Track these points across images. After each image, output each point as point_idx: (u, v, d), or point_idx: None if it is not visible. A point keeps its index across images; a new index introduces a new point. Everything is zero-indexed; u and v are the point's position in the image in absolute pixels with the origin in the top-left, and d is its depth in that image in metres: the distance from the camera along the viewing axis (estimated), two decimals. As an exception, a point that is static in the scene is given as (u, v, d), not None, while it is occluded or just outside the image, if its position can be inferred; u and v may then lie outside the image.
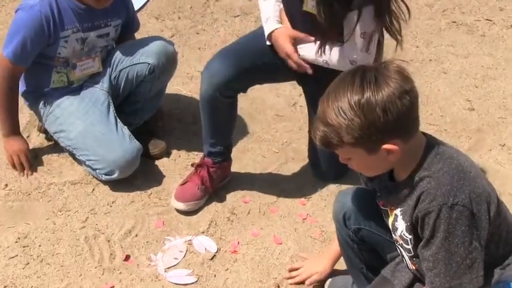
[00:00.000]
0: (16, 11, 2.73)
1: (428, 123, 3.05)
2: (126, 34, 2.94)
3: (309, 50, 2.48)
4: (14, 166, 2.83)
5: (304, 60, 2.49)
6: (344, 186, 2.73)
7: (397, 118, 1.75)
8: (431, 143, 1.89)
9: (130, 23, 2.93)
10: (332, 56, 2.45)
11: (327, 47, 2.43)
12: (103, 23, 2.78)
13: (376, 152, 1.80)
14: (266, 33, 2.54)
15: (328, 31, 2.39)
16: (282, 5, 2.56)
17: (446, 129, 3.07)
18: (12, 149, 2.82)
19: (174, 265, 2.49)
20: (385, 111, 1.74)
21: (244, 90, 2.69)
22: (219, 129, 2.67)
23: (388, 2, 2.33)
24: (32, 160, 2.85)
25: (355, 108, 1.74)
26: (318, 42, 2.43)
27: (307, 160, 2.87)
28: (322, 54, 2.44)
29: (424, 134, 1.91)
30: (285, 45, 2.49)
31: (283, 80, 2.79)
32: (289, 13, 2.53)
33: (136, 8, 3.65)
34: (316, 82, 2.54)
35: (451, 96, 3.26)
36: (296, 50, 2.49)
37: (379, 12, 2.33)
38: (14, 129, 2.83)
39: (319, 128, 1.82)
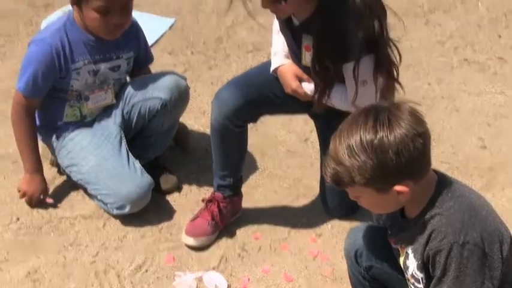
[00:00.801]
0: (29, 45, 2.76)
1: (440, 160, 3.04)
2: (140, 67, 2.96)
3: (312, 89, 2.49)
4: (25, 200, 2.83)
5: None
6: (355, 223, 2.71)
7: (410, 161, 1.75)
8: (442, 181, 1.88)
9: (143, 56, 2.95)
10: (333, 100, 2.46)
11: (327, 91, 2.44)
12: (114, 55, 2.80)
13: (386, 192, 1.80)
14: (272, 68, 2.57)
15: (326, 83, 2.40)
16: None
17: (459, 167, 3.06)
18: (28, 188, 2.81)
19: (184, 301, 2.48)
20: (398, 154, 1.74)
21: (254, 120, 2.70)
22: (229, 160, 2.68)
23: (385, 49, 2.34)
24: (45, 198, 2.84)
25: (368, 149, 1.74)
26: (317, 85, 2.44)
27: (318, 196, 2.87)
28: (324, 97, 2.45)
29: (435, 171, 1.91)
30: (291, 82, 2.51)
31: (293, 112, 2.79)
32: (294, 54, 2.55)
33: (150, 43, 3.69)
34: (327, 118, 2.56)
35: (463, 134, 3.25)
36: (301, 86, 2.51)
37: (378, 60, 2.34)
38: (33, 166, 2.81)
39: (331, 165, 1.82)
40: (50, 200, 2.84)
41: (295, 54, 2.52)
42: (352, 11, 2.25)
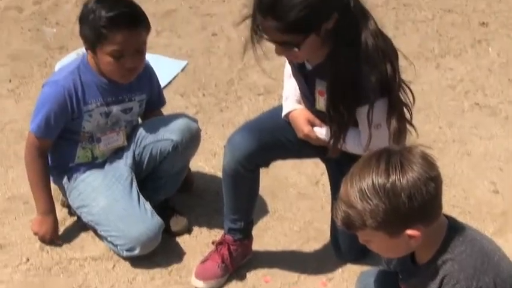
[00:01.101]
0: (42, 87, 2.79)
1: (452, 205, 3.02)
2: (152, 110, 2.98)
3: (325, 134, 2.49)
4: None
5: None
6: (366, 267, 2.69)
7: (422, 205, 1.74)
8: (453, 225, 1.87)
9: (155, 98, 2.97)
10: (347, 144, 2.45)
11: (342, 136, 2.43)
12: (127, 98, 2.82)
13: (398, 236, 1.79)
14: (284, 113, 2.57)
15: (341, 128, 2.40)
16: None
17: (471, 211, 3.04)
18: (39, 229, 2.82)
19: None
20: (410, 198, 1.73)
21: (267, 165, 2.69)
22: (240, 204, 2.67)
23: (398, 92, 2.35)
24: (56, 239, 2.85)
25: (380, 192, 1.73)
26: (333, 130, 2.44)
27: (329, 240, 2.85)
28: (339, 142, 2.44)
29: (446, 215, 1.90)
30: (303, 127, 2.51)
31: (305, 156, 2.79)
32: (306, 98, 2.55)
33: (162, 85, 3.72)
34: (339, 162, 2.55)
35: (475, 178, 3.24)
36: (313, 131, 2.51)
37: (392, 103, 2.34)
38: (45, 207, 2.82)
39: (342, 208, 1.81)
40: (59, 242, 2.84)
41: (307, 99, 2.52)
42: (365, 55, 2.25)
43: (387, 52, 2.30)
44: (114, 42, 2.60)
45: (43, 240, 2.82)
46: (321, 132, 2.50)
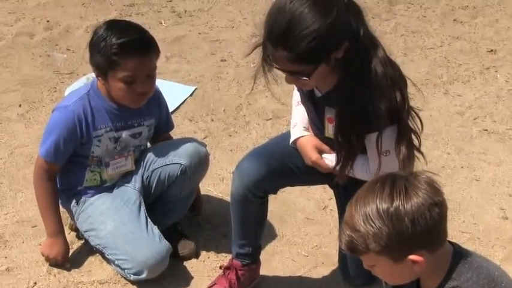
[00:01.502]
0: (52, 111, 2.81)
1: (460, 230, 3.01)
2: (161, 134, 2.99)
3: (334, 161, 2.49)
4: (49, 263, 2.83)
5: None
6: (374, 293, 2.68)
7: (425, 230, 1.74)
8: (458, 252, 1.86)
9: (164, 123, 2.98)
10: (355, 171, 2.45)
11: (350, 162, 2.43)
12: (136, 123, 2.83)
13: (401, 261, 1.78)
14: (291, 140, 2.57)
15: (350, 155, 2.40)
16: None
17: (480, 237, 3.02)
18: (50, 251, 2.81)
19: None
20: (414, 223, 1.73)
21: (275, 192, 2.69)
22: (248, 230, 2.66)
23: (407, 119, 2.35)
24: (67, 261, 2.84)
25: (384, 216, 1.74)
26: (341, 157, 2.43)
27: (337, 265, 2.84)
28: (347, 169, 2.44)
29: (451, 242, 1.89)
30: (310, 154, 2.50)
31: (314, 183, 2.79)
32: (315, 125, 2.55)
33: (171, 109, 3.73)
34: (346, 187, 2.55)
35: (484, 204, 3.23)
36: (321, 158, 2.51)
37: (400, 130, 2.34)
38: (55, 229, 2.82)
39: (346, 232, 1.81)
40: (67, 265, 2.84)
41: (316, 126, 2.52)
42: (374, 82, 2.25)
43: (396, 80, 2.30)
44: (125, 69, 2.62)
45: (54, 262, 2.81)
46: (330, 159, 2.50)
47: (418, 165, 2.46)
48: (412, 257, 1.77)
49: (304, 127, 2.58)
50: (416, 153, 2.41)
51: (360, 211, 1.78)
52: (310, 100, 2.47)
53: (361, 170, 2.45)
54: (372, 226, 1.75)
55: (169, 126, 3.04)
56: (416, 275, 1.85)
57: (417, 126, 2.41)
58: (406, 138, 2.36)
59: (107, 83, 2.68)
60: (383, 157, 2.36)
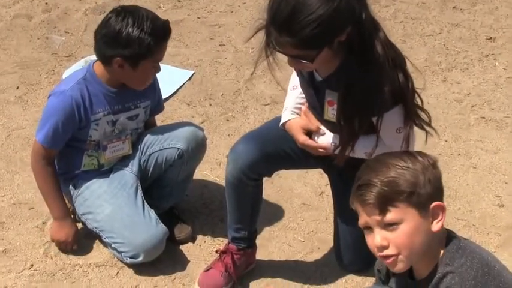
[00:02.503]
0: (49, 97, 2.80)
1: (456, 217, 3.02)
2: (152, 116, 3.00)
3: (329, 142, 2.49)
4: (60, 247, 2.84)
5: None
6: (370, 279, 2.69)
7: (439, 179, 1.92)
8: (451, 238, 1.87)
9: (156, 105, 2.99)
10: (356, 152, 2.44)
11: (351, 144, 2.42)
12: (133, 105, 2.84)
13: (426, 211, 1.83)
14: (280, 123, 2.58)
15: (352, 137, 2.40)
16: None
17: (475, 224, 3.04)
18: (60, 235, 2.81)
19: None
20: (434, 167, 1.92)
21: (270, 174, 2.70)
22: (243, 213, 2.67)
23: (413, 98, 2.35)
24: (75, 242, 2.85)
25: (407, 160, 1.90)
26: (342, 140, 2.43)
27: (332, 250, 2.85)
28: (347, 151, 2.43)
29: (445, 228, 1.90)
30: (297, 136, 2.52)
31: (308, 166, 2.79)
32: (313, 108, 2.55)
33: (169, 93, 3.74)
34: (340, 172, 2.56)
35: (480, 191, 3.23)
36: (311, 138, 2.51)
37: (408, 109, 2.34)
38: (61, 212, 2.82)
39: (375, 183, 1.86)
40: (75, 246, 2.84)
41: (315, 109, 2.52)
42: (376, 65, 2.26)
43: (398, 61, 2.31)
44: (158, 56, 2.69)
45: (64, 245, 2.82)
46: (325, 140, 2.50)
47: (431, 140, 2.47)
48: (436, 203, 1.85)
49: (293, 111, 2.58)
50: (428, 128, 2.41)
51: (380, 161, 1.92)
52: (310, 84, 2.47)
53: (361, 151, 2.44)
54: (398, 167, 1.87)
55: (160, 108, 3.04)
56: (432, 240, 1.87)
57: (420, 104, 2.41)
58: (413, 117, 2.36)
59: (134, 70, 2.67)
60: (396, 134, 2.37)
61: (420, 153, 1.95)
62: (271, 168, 2.66)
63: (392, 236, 1.85)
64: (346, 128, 2.37)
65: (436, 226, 1.84)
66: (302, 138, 2.51)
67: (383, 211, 1.83)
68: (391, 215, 1.84)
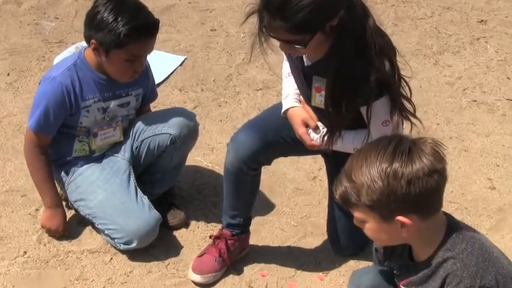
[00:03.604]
0: (39, 83, 2.78)
1: (448, 201, 3.03)
2: (145, 104, 2.99)
3: (317, 138, 2.49)
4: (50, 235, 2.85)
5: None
6: (363, 262, 2.70)
7: (420, 194, 1.75)
8: (452, 223, 1.87)
9: (149, 93, 2.97)
10: (344, 144, 2.45)
11: (336, 132, 2.42)
12: (124, 92, 2.82)
13: (390, 221, 1.79)
14: (283, 110, 2.58)
15: (338, 125, 2.40)
16: None
17: (467, 207, 3.05)
18: (51, 223, 2.81)
19: (189, 338, 2.46)
20: (409, 184, 1.74)
21: (269, 163, 2.70)
22: (241, 201, 2.68)
23: (399, 88, 2.35)
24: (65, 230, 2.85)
25: (381, 172, 1.75)
26: (330, 128, 2.43)
27: (326, 234, 2.85)
28: (334, 138, 2.43)
29: (445, 213, 1.90)
30: (297, 128, 2.52)
31: (307, 153, 2.79)
32: (304, 94, 2.55)
33: (161, 79, 3.72)
34: (337, 156, 2.56)
35: (472, 174, 3.25)
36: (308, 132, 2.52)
37: (393, 98, 2.34)
38: (53, 201, 2.82)
39: (342, 182, 1.83)
40: (66, 234, 2.85)
41: (305, 94, 2.52)
42: (364, 52, 2.26)
43: (385, 50, 2.31)
44: (132, 50, 2.63)
45: (55, 233, 2.82)
46: (316, 136, 2.51)
47: (415, 131, 2.46)
48: (401, 218, 1.78)
49: (296, 98, 2.58)
50: (413, 119, 2.42)
51: (360, 163, 1.80)
52: (299, 69, 2.47)
53: (346, 144, 2.44)
54: (367, 179, 1.76)
55: (154, 96, 3.03)
56: (405, 239, 1.86)
57: (407, 94, 2.41)
58: (399, 106, 2.36)
59: (106, 57, 2.65)
60: (382, 127, 2.37)
61: (428, 152, 1.79)
62: (272, 156, 2.67)
63: (364, 228, 1.88)
64: (333, 114, 2.37)
65: (404, 233, 1.82)
66: (301, 130, 2.52)
67: (350, 207, 1.85)
68: (356, 213, 1.86)
